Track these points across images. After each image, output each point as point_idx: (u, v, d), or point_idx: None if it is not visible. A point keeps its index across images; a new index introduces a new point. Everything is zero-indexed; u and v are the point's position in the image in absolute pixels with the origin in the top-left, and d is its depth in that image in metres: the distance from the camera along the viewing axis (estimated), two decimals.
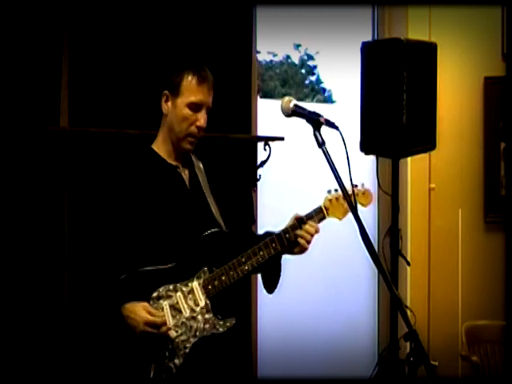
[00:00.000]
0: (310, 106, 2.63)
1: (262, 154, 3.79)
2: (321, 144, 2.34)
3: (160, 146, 2.73)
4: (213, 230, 2.65)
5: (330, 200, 2.75)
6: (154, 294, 2.56)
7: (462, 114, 4.52)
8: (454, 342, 4.32)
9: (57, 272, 3.23)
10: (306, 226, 2.69)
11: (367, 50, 3.64)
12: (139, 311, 2.49)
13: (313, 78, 4.78)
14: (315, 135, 2.37)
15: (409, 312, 2.60)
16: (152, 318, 2.48)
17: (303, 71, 4.75)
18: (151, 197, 2.63)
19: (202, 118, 2.66)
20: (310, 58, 4.66)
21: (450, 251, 4.41)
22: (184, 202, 2.68)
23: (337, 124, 2.39)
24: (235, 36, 3.74)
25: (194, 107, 2.64)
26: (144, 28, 3.46)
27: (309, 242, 2.69)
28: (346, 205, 2.72)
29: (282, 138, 3.76)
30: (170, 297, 2.57)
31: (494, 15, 4.49)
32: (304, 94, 4.76)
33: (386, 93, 3.53)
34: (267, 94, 4.46)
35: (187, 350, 2.54)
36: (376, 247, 2.53)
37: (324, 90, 4.77)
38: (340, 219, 2.77)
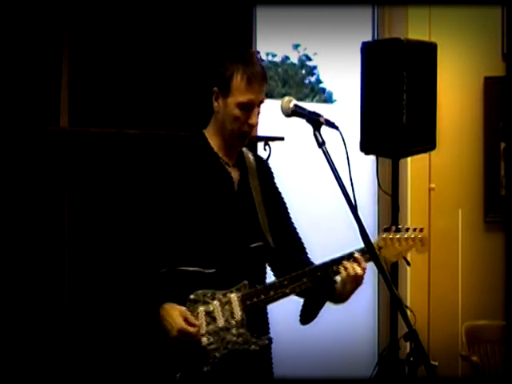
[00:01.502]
0: (309, 105, 2.63)
1: (262, 154, 3.78)
2: (321, 144, 2.34)
3: (212, 137, 2.62)
4: (259, 243, 2.57)
5: (385, 239, 2.62)
6: (192, 297, 2.49)
7: (462, 114, 4.52)
8: (454, 342, 4.32)
9: (57, 272, 3.23)
10: (351, 263, 2.56)
11: (367, 50, 3.65)
12: (176, 317, 2.43)
13: (313, 78, 4.78)
14: (315, 135, 2.36)
15: (409, 312, 2.60)
16: (187, 328, 2.42)
17: (303, 71, 4.75)
18: (197, 194, 2.54)
19: (253, 117, 2.55)
20: (308, 58, 4.66)
21: (450, 251, 4.41)
22: (230, 206, 2.58)
23: (337, 124, 2.39)
24: (235, 36, 3.73)
25: (246, 107, 2.52)
26: (144, 28, 3.46)
27: (353, 277, 2.55)
28: (400, 248, 2.62)
29: (282, 138, 3.76)
30: (206, 303, 2.50)
31: (494, 15, 4.50)
32: (304, 94, 4.76)
33: (386, 93, 3.53)
34: (267, 94, 4.44)
35: (216, 360, 2.47)
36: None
37: (324, 90, 4.77)
38: (392, 261, 2.69)
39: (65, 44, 3.28)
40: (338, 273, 2.56)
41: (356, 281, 2.57)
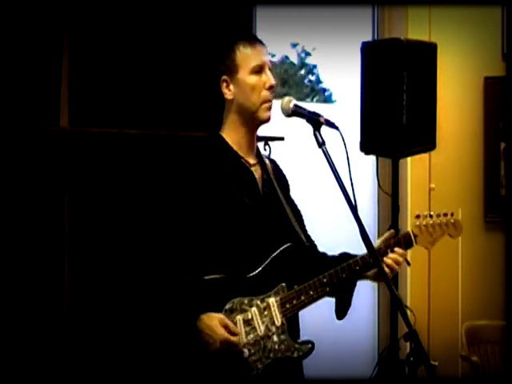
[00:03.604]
0: (309, 106, 2.62)
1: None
2: (321, 144, 2.34)
3: (229, 136, 2.53)
4: (292, 243, 2.49)
5: (419, 227, 2.59)
6: (227, 306, 2.37)
7: (462, 113, 4.52)
8: (454, 342, 4.32)
9: (57, 272, 3.23)
10: (393, 255, 2.53)
11: (367, 50, 3.65)
12: (216, 327, 2.30)
13: (312, 78, 4.78)
14: (315, 135, 2.36)
15: (409, 312, 2.59)
16: (229, 338, 2.30)
17: (303, 71, 4.75)
18: (223, 198, 2.44)
19: (269, 78, 2.49)
20: (308, 54, 4.66)
21: (450, 251, 4.40)
22: (258, 207, 2.49)
23: (337, 124, 2.39)
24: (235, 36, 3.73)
25: (258, 70, 2.48)
26: (144, 29, 3.46)
27: (391, 268, 2.52)
28: (435, 235, 2.61)
29: (282, 138, 3.76)
30: (244, 311, 2.38)
31: (494, 15, 4.50)
32: (304, 94, 4.76)
33: (386, 93, 3.53)
34: None
35: (259, 372, 2.35)
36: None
37: (324, 89, 4.77)
38: (428, 249, 2.65)
39: (65, 44, 3.28)
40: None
41: (389, 274, 2.52)
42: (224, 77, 2.52)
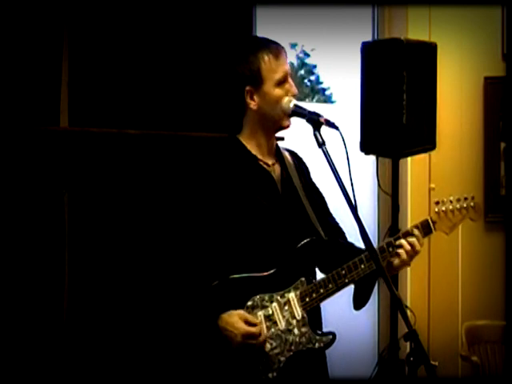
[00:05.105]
0: (309, 106, 2.62)
1: None
2: (321, 144, 2.34)
3: (248, 140, 2.57)
4: (311, 238, 2.52)
5: (439, 213, 2.60)
6: (249, 303, 2.44)
7: (461, 113, 4.52)
8: (454, 342, 4.32)
9: (57, 272, 3.23)
10: (410, 238, 2.54)
11: (367, 50, 3.65)
12: (237, 322, 2.37)
13: (312, 78, 4.78)
14: (315, 135, 2.36)
15: (409, 312, 2.60)
16: (250, 330, 2.37)
17: (302, 71, 4.75)
18: (242, 199, 2.48)
19: (292, 87, 2.52)
20: (307, 55, 4.66)
21: (450, 251, 4.41)
22: (276, 207, 2.52)
23: (337, 124, 2.39)
24: (235, 36, 3.73)
25: (282, 81, 2.50)
26: (144, 28, 3.46)
27: (409, 254, 2.54)
28: (454, 219, 2.62)
29: (282, 138, 3.74)
30: (265, 307, 2.45)
31: (494, 15, 4.49)
32: (304, 94, 4.76)
33: (386, 93, 3.53)
34: None
35: (281, 364, 2.41)
36: (376, 247, 2.52)
37: (324, 89, 4.77)
38: (447, 234, 2.64)
39: (65, 43, 3.28)
40: (393, 254, 2.54)
41: (411, 257, 2.56)
42: (248, 88, 2.51)
